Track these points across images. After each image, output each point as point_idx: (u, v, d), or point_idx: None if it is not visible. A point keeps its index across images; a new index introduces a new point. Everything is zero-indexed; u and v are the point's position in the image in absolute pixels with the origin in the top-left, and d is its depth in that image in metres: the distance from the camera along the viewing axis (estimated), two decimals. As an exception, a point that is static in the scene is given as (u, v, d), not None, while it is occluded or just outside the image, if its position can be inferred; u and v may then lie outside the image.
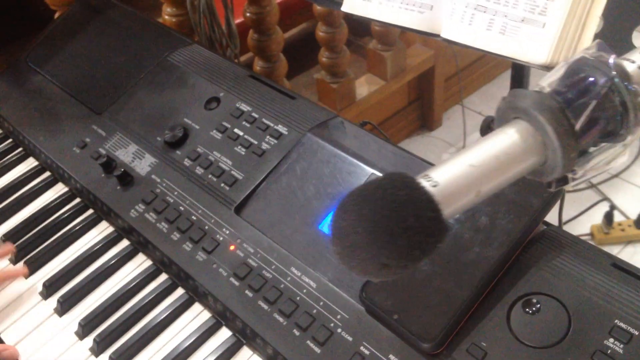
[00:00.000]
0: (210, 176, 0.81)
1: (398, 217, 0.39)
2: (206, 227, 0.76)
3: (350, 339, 0.63)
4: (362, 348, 0.62)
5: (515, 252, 0.61)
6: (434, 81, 2.09)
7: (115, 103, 0.95)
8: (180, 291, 0.76)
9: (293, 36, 2.04)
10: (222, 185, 0.80)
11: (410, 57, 1.97)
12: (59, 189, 0.92)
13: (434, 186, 0.43)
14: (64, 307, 0.77)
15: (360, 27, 1.90)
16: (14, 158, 0.98)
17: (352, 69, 1.81)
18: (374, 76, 1.96)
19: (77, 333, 0.74)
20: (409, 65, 1.97)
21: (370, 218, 0.39)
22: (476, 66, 2.21)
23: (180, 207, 0.79)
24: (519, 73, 0.99)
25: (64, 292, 0.78)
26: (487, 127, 0.90)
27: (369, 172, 0.74)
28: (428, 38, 2.24)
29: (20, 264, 0.82)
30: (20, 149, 1.00)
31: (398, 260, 0.40)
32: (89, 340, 0.73)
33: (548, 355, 0.55)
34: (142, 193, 0.83)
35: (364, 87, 1.91)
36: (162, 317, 0.73)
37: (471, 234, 0.62)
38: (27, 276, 0.81)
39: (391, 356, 0.60)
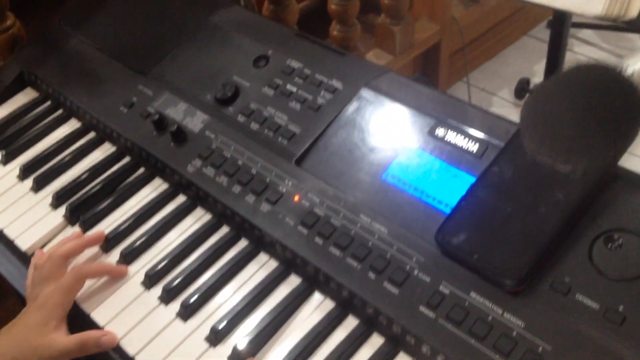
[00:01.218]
0: (266, 131, 0.82)
1: (606, 104, 0.40)
2: (268, 180, 0.77)
3: (428, 279, 0.64)
4: (441, 287, 0.63)
5: (595, 190, 0.62)
6: (440, 57, 2.10)
7: (160, 63, 0.95)
8: (243, 242, 0.77)
9: (303, 9, 2.04)
10: (280, 139, 0.81)
11: (417, 32, 1.98)
12: (107, 149, 0.92)
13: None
14: (127, 259, 0.77)
15: (364, 2, 1.91)
16: (55, 120, 0.98)
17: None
18: (382, 51, 1.97)
19: (143, 283, 0.75)
20: (416, 41, 1.98)
21: (580, 102, 0.40)
22: (479, 42, 2.23)
23: (239, 161, 0.80)
24: (558, 33, 1.01)
25: (125, 245, 0.78)
26: (522, 89, 0.91)
27: (430, 122, 0.75)
28: (434, 13, 2.23)
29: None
30: (60, 111, 0.99)
31: (605, 144, 0.40)
32: (156, 290, 0.74)
33: (631, 286, 0.57)
34: (197, 149, 0.83)
35: (372, 62, 1.92)
36: (228, 267, 0.74)
37: (549, 170, 0.64)
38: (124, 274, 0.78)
39: (472, 294, 0.62)
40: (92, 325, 0.73)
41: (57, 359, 0.70)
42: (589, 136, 0.40)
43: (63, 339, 0.70)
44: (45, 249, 0.82)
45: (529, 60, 2.27)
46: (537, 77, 2.04)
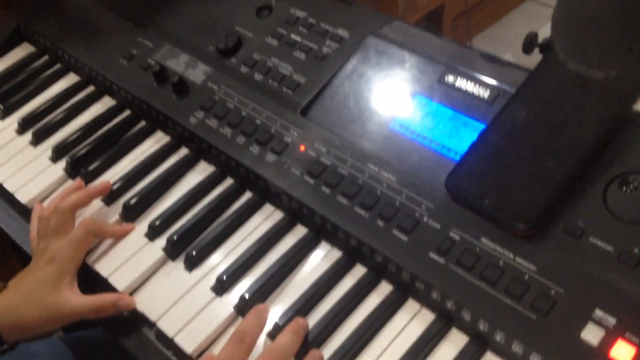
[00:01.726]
0: (270, 81, 0.80)
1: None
2: (272, 130, 0.75)
3: (437, 226, 0.63)
4: (451, 234, 0.62)
5: (609, 133, 0.61)
6: (442, 21, 2.07)
7: (158, 15, 0.92)
8: (248, 194, 0.76)
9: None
10: (285, 89, 0.79)
11: (420, -6, 1.95)
12: (106, 102, 0.90)
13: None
14: (130, 212, 0.76)
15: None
16: (53, 74, 0.96)
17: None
18: (385, 14, 1.94)
19: (147, 235, 0.74)
20: (419, 3, 1.95)
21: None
22: (482, 6, 2.19)
23: (243, 112, 0.78)
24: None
25: (128, 196, 0.77)
26: (531, 44, 0.89)
27: (439, 69, 0.73)
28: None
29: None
30: (58, 65, 0.97)
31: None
32: (161, 241, 0.73)
33: (645, 228, 0.56)
34: (199, 100, 0.81)
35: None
36: (233, 218, 0.73)
37: (562, 114, 0.62)
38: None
39: (483, 239, 0.61)
40: (95, 277, 0.72)
41: (68, 318, 0.68)
42: (628, 40, 0.38)
43: (77, 299, 0.68)
44: (46, 203, 0.80)
45: (533, 25, 2.23)
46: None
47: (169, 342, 0.65)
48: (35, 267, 0.70)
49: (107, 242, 0.74)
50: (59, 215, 0.72)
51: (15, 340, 0.70)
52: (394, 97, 0.74)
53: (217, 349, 0.63)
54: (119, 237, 0.74)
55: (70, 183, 0.82)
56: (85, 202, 0.76)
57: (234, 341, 0.59)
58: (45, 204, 0.80)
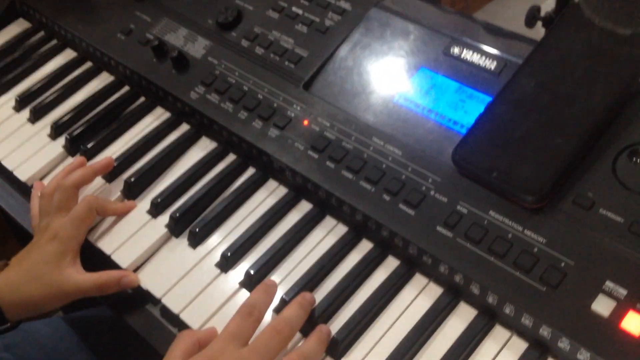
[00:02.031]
0: (272, 55, 0.78)
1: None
2: (275, 105, 0.74)
3: (444, 199, 0.62)
4: (459, 207, 0.61)
5: (619, 104, 0.60)
6: (441, -4, 2.05)
7: (157, -12, 0.90)
8: (251, 170, 0.75)
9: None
10: (287, 63, 0.77)
11: (418, -30, 1.92)
12: (105, 78, 0.89)
13: None
14: (132, 188, 0.75)
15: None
16: (49, 50, 0.94)
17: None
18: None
19: (149, 212, 0.73)
20: (417, -22, 1.92)
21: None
22: (481, -18, 2.17)
23: (244, 87, 0.77)
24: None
25: (129, 173, 0.76)
26: (533, 17, 0.87)
27: (444, 40, 0.72)
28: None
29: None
30: (55, 41, 0.95)
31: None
32: (164, 218, 0.72)
33: (656, 198, 0.56)
34: (200, 75, 0.80)
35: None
36: (236, 195, 0.72)
37: (571, 85, 0.62)
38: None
39: (491, 212, 0.60)
40: (98, 254, 0.71)
41: (71, 296, 0.68)
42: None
43: (80, 276, 0.67)
44: (46, 180, 0.79)
45: (532, 1, 2.21)
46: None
47: (174, 319, 0.65)
48: (37, 245, 0.69)
49: (110, 219, 0.73)
50: (62, 192, 0.71)
51: (18, 318, 0.69)
52: (398, 70, 0.73)
53: (222, 324, 0.63)
54: (120, 214, 0.73)
55: (69, 160, 0.81)
56: (88, 179, 0.75)
57: (242, 314, 0.58)
58: (46, 181, 0.79)
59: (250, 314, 0.58)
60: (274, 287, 0.62)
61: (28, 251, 0.69)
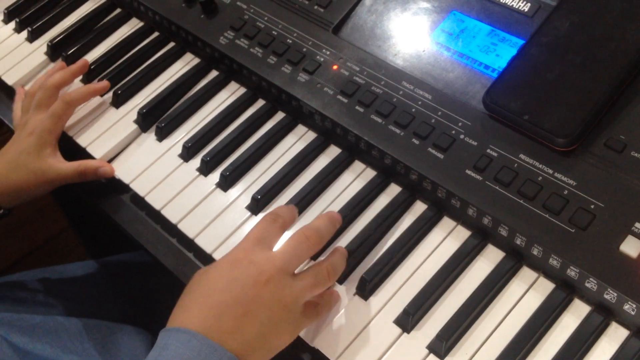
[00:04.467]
0: (301, -1, 0.78)
1: None
2: (304, 50, 0.74)
3: (475, 143, 0.62)
4: (489, 151, 0.61)
5: (655, 44, 0.59)
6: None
7: None
8: (280, 115, 0.75)
9: None
10: (316, 7, 0.77)
11: None
12: (134, 24, 0.89)
13: None
14: (164, 132, 0.76)
15: None
16: (78, -3, 0.94)
17: None
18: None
19: (181, 156, 0.74)
20: None
21: None
22: None
23: (273, 32, 0.77)
24: None
25: (162, 118, 0.77)
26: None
27: (477, -16, 0.71)
28: None
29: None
30: (84, -12, 0.95)
31: None
32: (195, 162, 0.73)
33: (690, 142, 0.55)
34: (229, 20, 0.80)
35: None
36: (266, 139, 0.73)
37: (606, 26, 0.60)
38: (106, 91, 0.81)
39: (522, 155, 0.60)
40: (133, 193, 0.73)
41: (55, 182, 0.73)
42: None
43: (62, 164, 0.74)
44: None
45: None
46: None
47: (207, 259, 0.67)
48: (18, 140, 0.75)
49: (134, 153, 0.75)
50: (43, 92, 0.77)
51: (10, 205, 0.75)
52: (428, 13, 0.72)
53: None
54: (98, 92, 0.80)
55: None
56: (68, 80, 0.80)
57: (267, 220, 0.58)
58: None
59: (275, 221, 0.58)
60: (339, 221, 0.62)
61: (9, 146, 0.75)
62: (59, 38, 0.88)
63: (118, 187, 0.75)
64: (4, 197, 0.74)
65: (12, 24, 0.94)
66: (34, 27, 0.91)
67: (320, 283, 0.56)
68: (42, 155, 0.72)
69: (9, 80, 0.87)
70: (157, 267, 0.71)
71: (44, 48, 0.89)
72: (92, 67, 0.84)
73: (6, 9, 0.95)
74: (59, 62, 0.85)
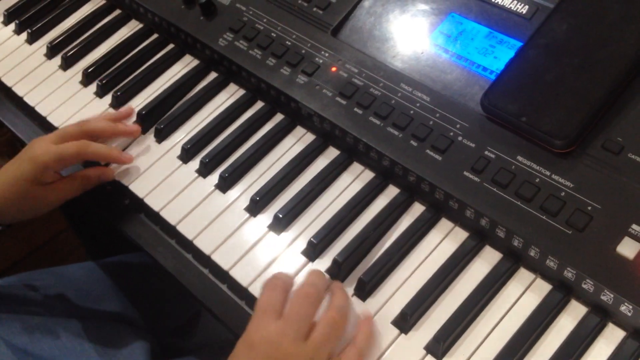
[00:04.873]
0: (300, 1, 0.78)
1: None
2: (303, 51, 0.74)
3: (472, 145, 0.63)
4: (486, 152, 0.62)
5: (652, 46, 0.59)
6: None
7: None
8: (279, 116, 0.76)
9: None
10: (315, 9, 0.77)
11: None
12: (134, 26, 0.90)
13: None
14: (163, 134, 0.76)
15: None
16: (77, -1, 0.95)
17: None
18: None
19: (180, 157, 0.74)
20: None
21: None
22: None
23: (272, 34, 0.77)
24: None
25: (161, 119, 0.77)
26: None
27: (476, -14, 0.71)
28: None
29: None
30: (83, -10, 0.96)
31: None
32: (194, 163, 0.73)
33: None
34: (228, 22, 0.80)
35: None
36: (264, 141, 0.73)
37: (604, 29, 0.61)
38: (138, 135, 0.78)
39: (519, 157, 0.60)
40: (132, 195, 0.73)
41: (56, 202, 0.73)
42: None
43: (59, 184, 0.72)
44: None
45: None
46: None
47: (205, 259, 0.67)
48: (18, 159, 0.71)
49: (143, 164, 0.75)
50: (74, 128, 0.73)
51: (8, 222, 0.74)
52: (427, 16, 0.73)
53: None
54: (113, 159, 0.75)
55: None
56: (108, 136, 0.76)
57: (268, 288, 0.58)
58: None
59: (276, 285, 0.58)
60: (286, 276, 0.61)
61: (11, 164, 0.72)
62: (58, 39, 0.89)
63: (117, 189, 0.75)
64: (5, 214, 0.72)
65: (12, 26, 0.94)
66: (34, 28, 0.91)
67: (334, 330, 0.55)
68: (40, 182, 0.71)
69: (9, 82, 0.87)
70: (156, 269, 0.71)
71: (44, 49, 0.89)
72: (90, 69, 0.84)
73: (6, 10, 0.96)
74: (117, 111, 0.80)
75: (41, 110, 0.83)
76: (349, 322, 0.57)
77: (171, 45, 0.85)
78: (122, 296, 0.91)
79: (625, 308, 0.52)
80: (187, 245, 0.69)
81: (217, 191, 0.71)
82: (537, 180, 0.58)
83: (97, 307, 0.86)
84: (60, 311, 0.82)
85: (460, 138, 0.63)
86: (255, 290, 0.63)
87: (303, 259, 0.64)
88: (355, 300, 0.60)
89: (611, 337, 0.54)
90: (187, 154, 0.74)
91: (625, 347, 0.52)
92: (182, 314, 0.98)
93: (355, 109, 0.69)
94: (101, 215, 0.76)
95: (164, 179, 0.73)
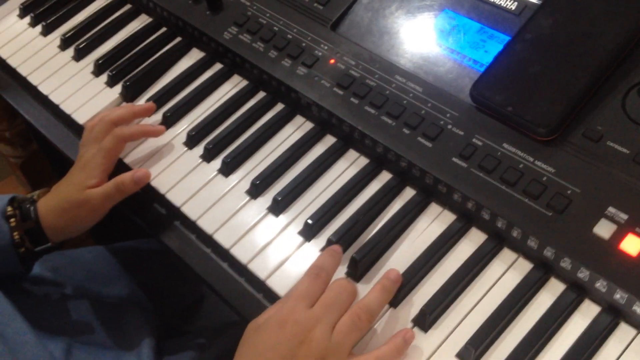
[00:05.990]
0: (301, -3, 0.82)
1: None
2: (303, 44, 0.78)
3: (461, 133, 0.66)
4: (474, 140, 0.65)
5: (631, 42, 0.62)
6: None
7: None
8: (280, 106, 0.79)
9: None
10: (315, 4, 0.81)
11: None
12: (143, 20, 0.94)
13: None
14: (170, 121, 0.80)
15: None
16: (90, -7, 0.99)
17: None
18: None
19: (185, 143, 0.78)
20: None
21: None
22: None
23: (275, 28, 0.81)
24: None
25: (168, 108, 0.81)
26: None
27: (469, -16, 0.75)
28: None
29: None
30: (96, -15, 1.00)
31: None
32: (198, 149, 0.77)
33: (662, 132, 0.59)
34: (233, 16, 0.84)
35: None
36: (266, 128, 0.77)
37: (586, 24, 0.64)
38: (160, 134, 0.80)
39: (505, 144, 0.63)
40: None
41: (100, 207, 0.74)
42: None
43: (98, 189, 0.73)
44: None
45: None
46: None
47: (207, 239, 0.71)
48: (71, 173, 0.76)
49: (150, 151, 0.78)
50: (100, 126, 0.77)
51: (60, 239, 0.76)
52: (422, 11, 0.76)
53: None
54: (152, 135, 0.79)
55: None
56: (128, 118, 0.79)
57: (311, 275, 0.61)
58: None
59: (318, 276, 0.60)
60: (340, 253, 0.64)
61: (64, 178, 0.76)
62: (71, 32, 0.93)
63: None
64: (52, 232, 0.75)
65: (27, 19, 0.99)
66: (48, 22, 0.95)
67: (355, 327, 0.57)
68: (83, 188, 0.73)
69: (24, 72, 0.92)
70: (162, 254, 0.74)
71: (57, 42, 0.94)
72: (101, 60, 0.88)
73: (22, 4, 1.00)
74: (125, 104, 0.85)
75: (54, 98, 0.87)
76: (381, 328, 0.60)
77: (178, 39, 0.89)
78: (129, 279, 0.95)
79: (600, 284, 0.55)
80: (191, 226, 0.72)
81: (220, 175, 0.75)
82: (521, 166, 0.62)
83: (105, 289, 0.90)
84: (70, 290, 0.85)
85: (450, 126, 0.67)
86: (253, 267, 0.67)
87: (300, 238, 0.68)
88: (348, 279, 0.64)
89: (587, 312, 0.57)
90: (192, 140, 0.77)
91: (600, 321, 0.55)
92: (186, 297, 1.01)
93: (352, 99, 0.72)
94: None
95: (170, 164, 0.77)
